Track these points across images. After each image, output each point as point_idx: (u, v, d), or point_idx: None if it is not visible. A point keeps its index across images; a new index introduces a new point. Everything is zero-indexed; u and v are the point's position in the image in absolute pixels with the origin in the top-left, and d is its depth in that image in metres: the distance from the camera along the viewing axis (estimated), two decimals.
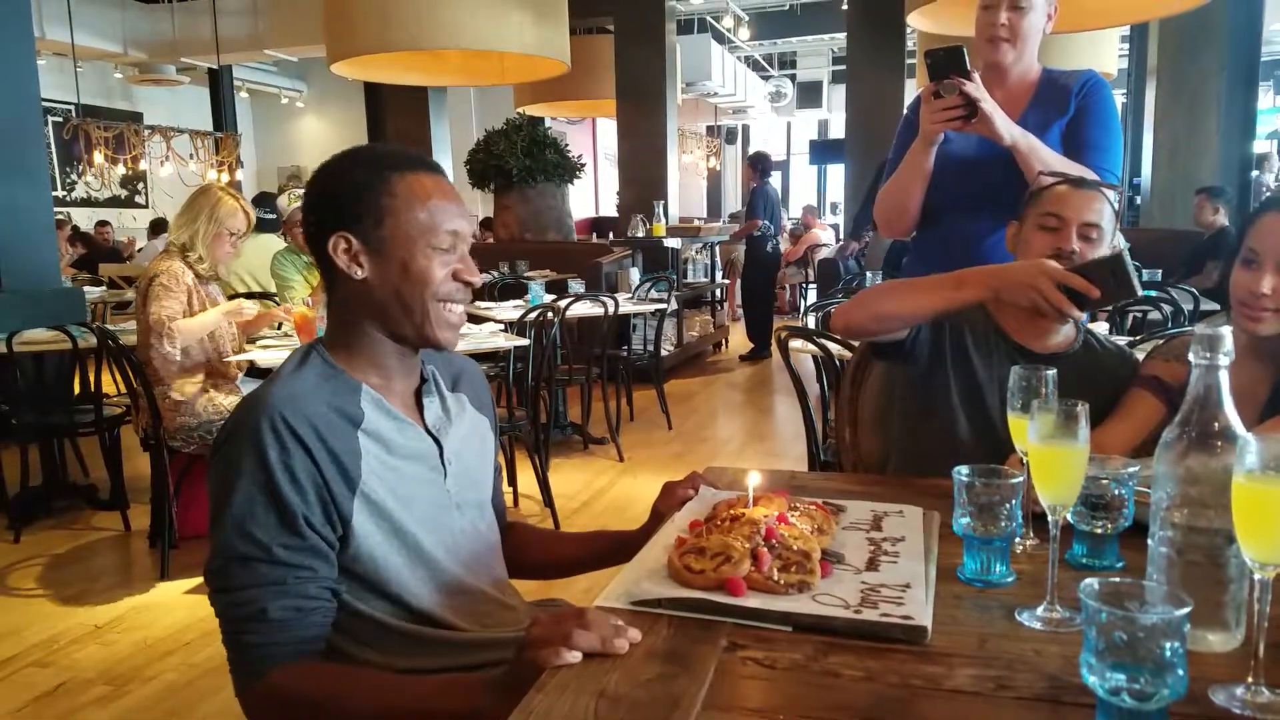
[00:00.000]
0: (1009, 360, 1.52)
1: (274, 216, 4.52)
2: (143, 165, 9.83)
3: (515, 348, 3.67)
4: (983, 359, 1.61)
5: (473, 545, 1.21)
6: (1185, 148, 6.90)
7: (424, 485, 1.15)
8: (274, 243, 4.39)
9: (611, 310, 4.59)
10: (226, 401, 3.10)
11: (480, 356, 3.60)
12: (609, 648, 0.86)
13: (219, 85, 10.81)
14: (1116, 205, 1.60)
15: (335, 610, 1.07)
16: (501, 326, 4.16)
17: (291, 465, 1.01)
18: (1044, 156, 1.82)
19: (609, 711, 0.77)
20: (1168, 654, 0.67)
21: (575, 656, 0.85)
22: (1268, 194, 7.34)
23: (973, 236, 1.97)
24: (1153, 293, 3.82)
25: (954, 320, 1.62)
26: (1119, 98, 10.53)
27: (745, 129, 17.55)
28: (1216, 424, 0.85)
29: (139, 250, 9.30)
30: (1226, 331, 0.85)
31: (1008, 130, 1.81)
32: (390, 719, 0.99)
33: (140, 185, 12.19)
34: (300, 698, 1.01)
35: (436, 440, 1.18)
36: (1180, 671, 0.67)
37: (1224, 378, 0.85)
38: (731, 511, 1.11)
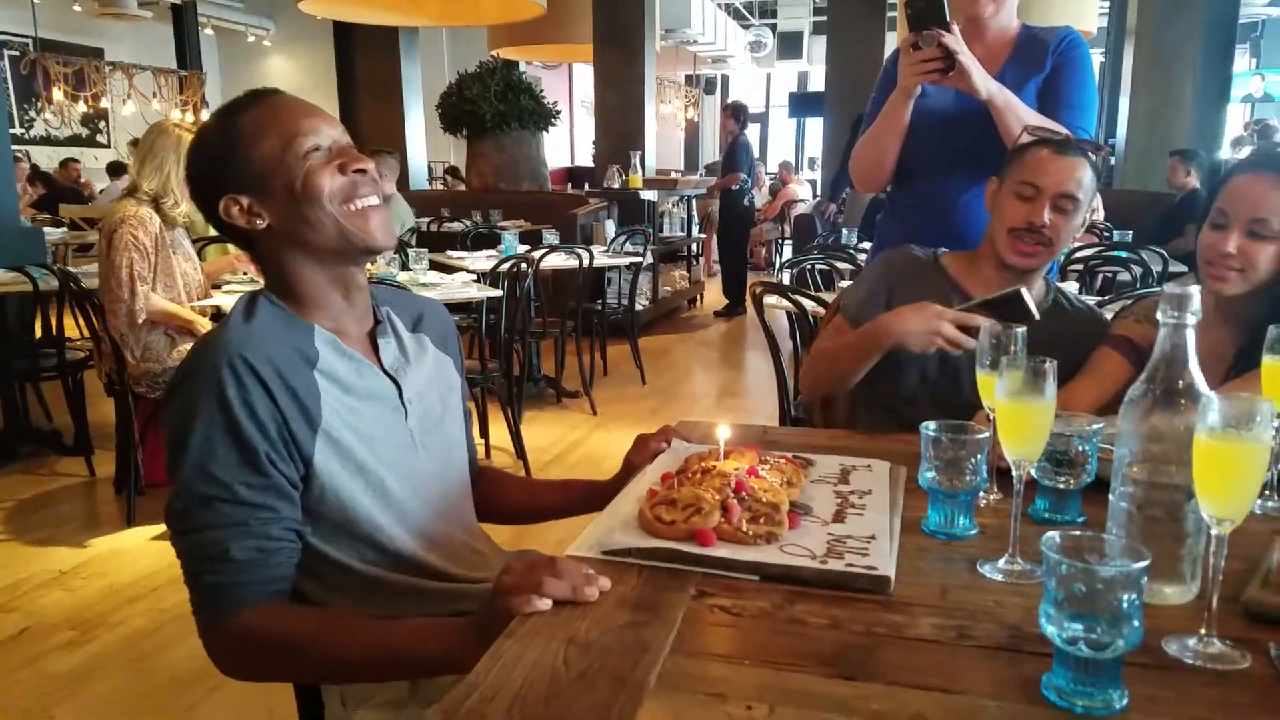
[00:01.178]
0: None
1: None
2: (104, 103, 9.54)
3: (488, 299, 3.64)
4: None
5: (440, 487, 1.20)
6: (1162, 109, 6.92)
7: (385, 425, 1.12)
8: None
9: (586, 263, 4.57)
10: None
11: (453, 307, 3.56)
12: (579, 595, 0.86)
13: (183, 21, 10.49)
14: (1100, 166, 1.60)
15: (299, 552, 1.05)
16: (474, 277, 4.12)
17: (251, 402, 1.00)
18: (1020, 113, 1.82)
19: (578, 657, 0.78)
20: (1125, 605, 0.69)
21: (546, 604, 0.85)
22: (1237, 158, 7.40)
23: (949, 193, 1.97)
24: (1123, 253, 3.86)
25: (910, 293, 1.66)
26: (1097, 58, 10.52)
27: (725, 79, 17.34)
28: (1181, 382, 0.86)
29: (100, 192, 9.06)
30: (1195, 291, 0.86)
31: (985, 84, 1.80)
32: (361, 662, 0.98)
33: (102, 124, 11.84)
34: (266, 640, 0.99)
35: (395, 381, 1.16)
36: (1136, 623, 0.69)
37: (1191, 337, 0.86)
38: (703, 464, 1.12)
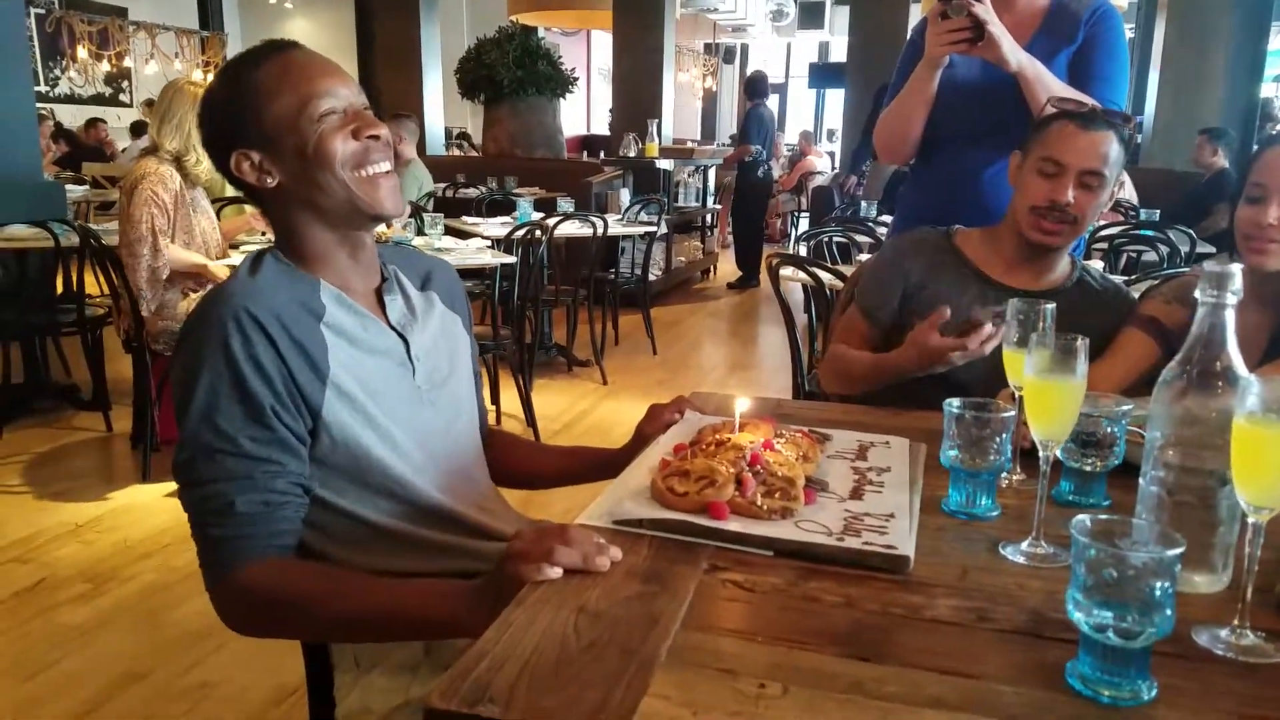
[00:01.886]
0: (997, 302, 1.51)
1: None
2: (127, 63, 9.49)
3: (501, 265, 3.62)
4: (967, 307, 1.60)
5: (449, 445, 1.19)
6: (1191, 86, 6.77)
7: (393, 380, 1.11)
8: None
9: (600, 231, 4.52)
10: None
11: (466, 273, 3.55)
12: (590, 565, 0.85)
13: None
14: (1128, 138, 1.55)
15: (305, 507, 1.04)
16: (488, 243, 4.09)
17: (256, 355, 0.99)
18: (1050, 85, 1.77)
19: (588, 627, 0.76)
20: (1157, 593, 0.66)
21: (556, 572, 0.84)
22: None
23: (973, 166, 1.93)
24: (1150, 232, 3.79)
25: (926, 276, 1.64)
26: (1127, 31, 10.31)
27: (744, 48, 17.09)
28: (1219, 364, 0.83)
29: (122, 151, 9.05)
30: (1236, 269, 0.82)
31: (1014, 55, 1.75)
32: (367, 621, 0.97)
33: (124, 84, 11.79)
34: (271, 596, 0.98)
35: (402, 337, 1.14)
36: (1168, 611, 0.67)
37: (1230, 317, 0.83)
38: (717, 436, 1.10)
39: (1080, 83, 1.85)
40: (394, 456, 1.09)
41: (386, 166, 1.10)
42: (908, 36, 2.08)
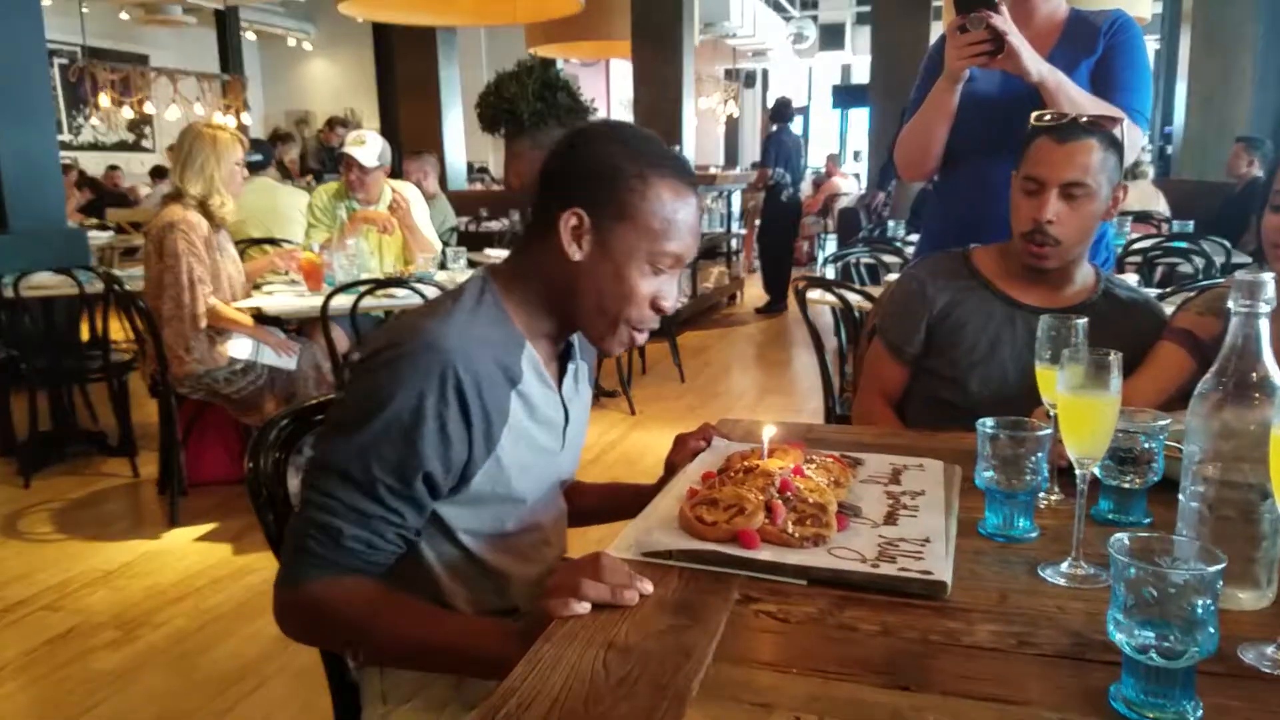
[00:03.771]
0: (1026, 323, 1.49)
1: (259, 159, 4.41)
2: (149, 108, 9.71)
3: None
4: (994, 329, 1.58)
5: (558, 512, 1.24)
6: (1218, 96, 6.70)
7: (544, 455, 1.13)
8: (271, 184, 4.34)
9: None
10: (232, 350, 3.06)
11: None
12: (618, 599, 0.84)
13: (226, 26, 10.64)
14: (1123, 138, 1.53)
15: (400, 555, 1.05)
16: None
17: (445, 420, 0.99)
18: (1072, 94, 1.76)
19: (618, 662, 0.75)
20: (1199, 611, 0.64)
21: (584, 607, 0.83)
22: None
23: (996, 179, 1.91)
24: (1184, 244, 3.73)
25: (948, 297, 1.63)
26: (1152, 44, 10.24)
27: (765, 73, 17.18)
28: (1255, 375, 0.81)
29: (145, 197, 9.24)
30: (1268, 278, 0.81)
31: (1035, 65, 1.74)
32: (418, 649, 0.98)
33: (147, 129, 12.08)
34: (334, 611, 0.99)
35: (566, 410, 1.16)
36: (1211, 629, 0.65)
37: (1264, 326, 0.81)
38: (745, 463, 1.09)
39: (1103, 93, 1.84)
40: (514, 520, 1.12)
41: (645, 339, 1.12)
42: (927, 52, 2.08)
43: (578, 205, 1.05)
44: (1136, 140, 1.79)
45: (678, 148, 7.19)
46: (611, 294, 1.06)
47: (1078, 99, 1.75)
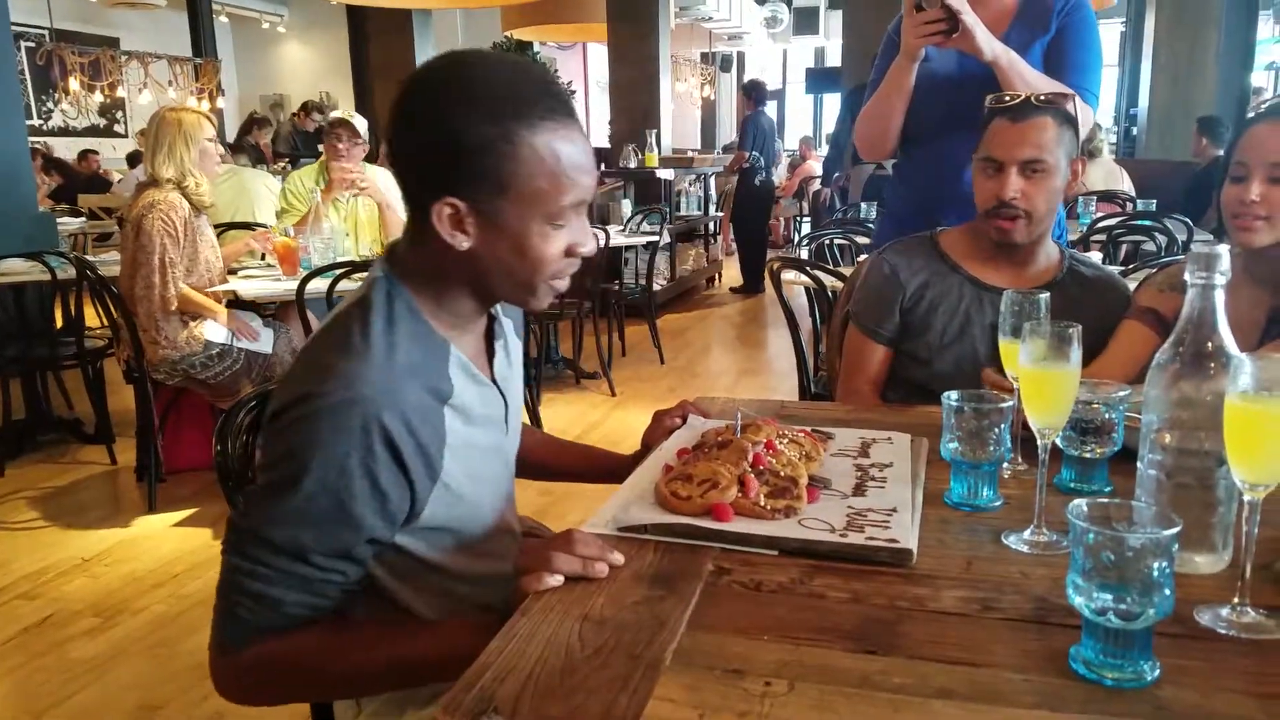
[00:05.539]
0: (994, 304, 1.51)
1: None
2: (120, 93, 9.55)
3: None
4: (964, 310, 1.61)
5: (507, 488, 1.16)
6: (1184, 76, 6.78)
7: (491, 454, 1.07)
8: (241, 169, 4.30)
9: (602, 243, 4.53)
10: (208, 334, 3.03)
11: None
12: (589, 571, 0.85)
13: (198, 8, 10.46)
14: (1077, 114, 1.55)
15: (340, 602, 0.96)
16: None
17: (375, 472, 0.89)
18: (1025, 74, 1.79)
19: (593, 634, 0.76)
20: (1155, 574, 0.66)
21: (557, 580, 0.84)
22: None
23: (955, 158, 1.93)
24: (1147, 222, 3.79)
25: (919, 279, 1.64)
26: (1118, 25, 10.28)
27: (740, 56, 17.15)
28: (1210, 345, 0.84)
29: (118, 182, 9.10)
30: (1223, 250, 0.83)
31: (989, 45, 1.77)
32: (390, 673, 0.92)
33: (119, 114, 11.88)
34: (285, 664, 0.91)
35: (504, 396, 1.09)
36: (1167, 591, 0.67)
37: (1219, 298, 0.83)
38: (719, 439, 1.10)
39: (1054, 73, 1.87)
40: (472, 525, 1.05)
41: (568, 279, 1.02)
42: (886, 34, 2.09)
43: (446, 194, 0.92)
44: (1088, 118, 1.82)
45: (655, 131, 7.17)
46: (520, 268, 0.96)
47: (1030, 79, 1.78)
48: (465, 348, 1.03)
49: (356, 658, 0.91)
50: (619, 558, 0.88)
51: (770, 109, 8.45)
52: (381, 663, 0.91)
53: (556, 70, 7.53)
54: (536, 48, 8.22)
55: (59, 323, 4.02)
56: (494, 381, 1.08)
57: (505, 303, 1.07)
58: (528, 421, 1.28)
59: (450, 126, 0.91)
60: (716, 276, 8.34)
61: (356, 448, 0.88)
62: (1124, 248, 3.86)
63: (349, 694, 1.07)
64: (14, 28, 4.26)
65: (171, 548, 2.86)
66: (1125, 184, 5.43)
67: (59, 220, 5.22)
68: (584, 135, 0.97)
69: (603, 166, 8.28)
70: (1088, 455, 1.03)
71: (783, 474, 1.00)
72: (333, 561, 0.91)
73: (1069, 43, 1.91)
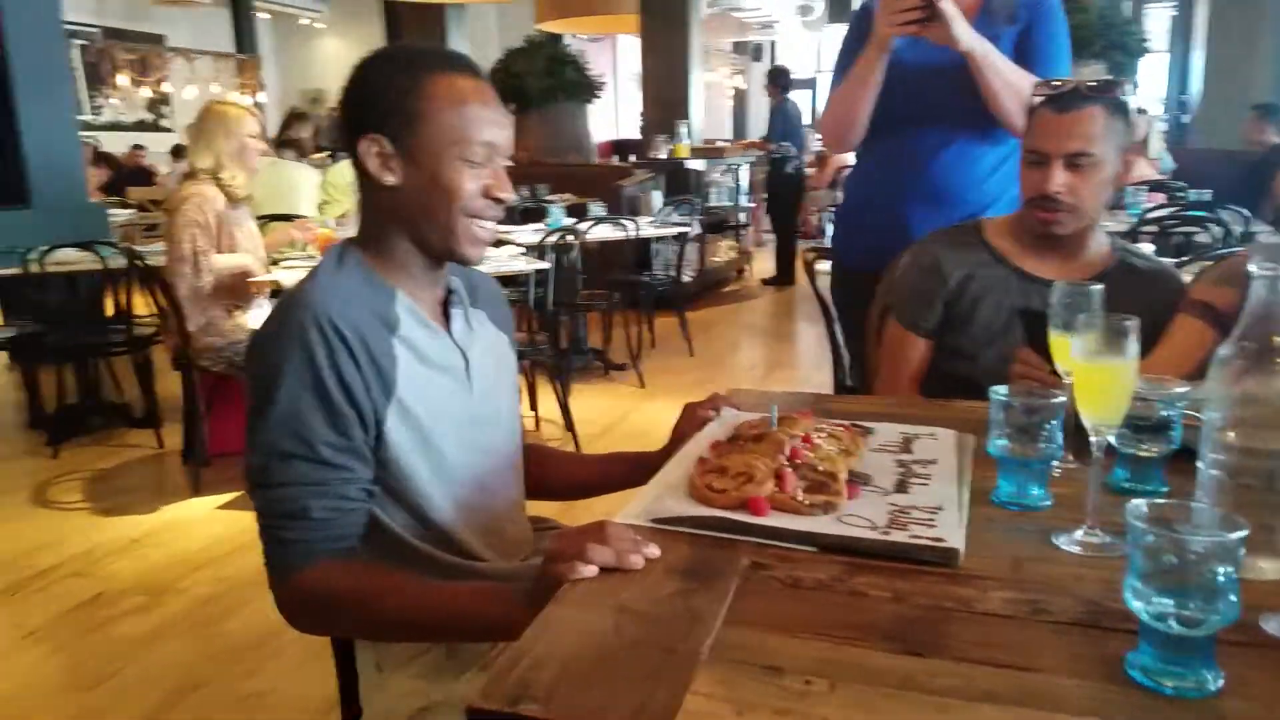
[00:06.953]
0: (1041, 296, 1.47)
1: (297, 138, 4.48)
2: (166, 88, 9.72)
3: (535, 271, 3.62)
4: (1009, 303, 1.57)
5: (493, 462, 1.20)
6: (1237, 65, 6.59)
7: (453, 398, 1.13)
8: (283, 162, 4.36)
9: (632, 234, 4.52)
10: (252, 322, 3.09)
11: (501, 280, 3.57)
12: (623, 563, 0.84)
13: (239, 6, 10.62)
14: (1128, 99, 1.50)
15: (368, 512, 1.06)
16: (522, 250, 4.11)
17: (338, 364, 1.01)
18: (999, 65, 1.75)
19: (629, 626, 0.75)
20: (1220, 579, 0.63)
21: (591, 570, 0.83)
22: None
23: (920, 150, 1.89)
24: (1202, 213, 3.68)
25: (963, 271, 1.60)
26: (1168, 12, 10.03)
27: (773, 45, 17.00)
28: (1277, 339, 0.80)
29: (165, 175, 9.27)
30: None
31: (966, 35, 1.72)
32: (424, 619, 0.99)
33: (165, 108, 12.10)
34: (336, 595, 1.00)
35: (464, 353, 1.16)
36: (1232, 598, 0.64)
37: None
38: (755, 432, 1.08)
39: (1024, 64, 1.82)
40: (436, 480, 1.10)
41: (493, 227, 1.12)
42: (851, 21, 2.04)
43: (370, 131, 1.06)
44: None
45: (686, 122, 7.13)
46: (438, 198, 1.06)
47: (1004, 70, 1.74)
48: (415, 299, 1.12)
49: (400, 600, 0.99)
50: (655, 550, 0.86)
51: (804, 97, 8.37)
52: (420, 609, 0.99)
53: (588, 63, 7.50)
54: (568, 41, 8.21)
55: (109, 311, 4.12)
56: (454, 343, 1.15)
57: (434, 250, 1.12)
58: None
59: (369, 76, 1.09)
60: (747, 268, 8.30)
61: (318, 344, 1.00)
62: (1175, 239, 3.76)
63: (391, 634, 1.10)
64: (67, 26, 4.38)
65: (215, 530, 2.92)
66: (1160, 161, 5.29)
67: (109, 212, 5.35)
68: (496, 97, 1.10)
69: (633, 158, 8.28)
70: (1143, 454, 1.00)
71: (820, 468, 0.98)
72: (340, 457, 1.01)
73: (1039, 35, 1.86)
